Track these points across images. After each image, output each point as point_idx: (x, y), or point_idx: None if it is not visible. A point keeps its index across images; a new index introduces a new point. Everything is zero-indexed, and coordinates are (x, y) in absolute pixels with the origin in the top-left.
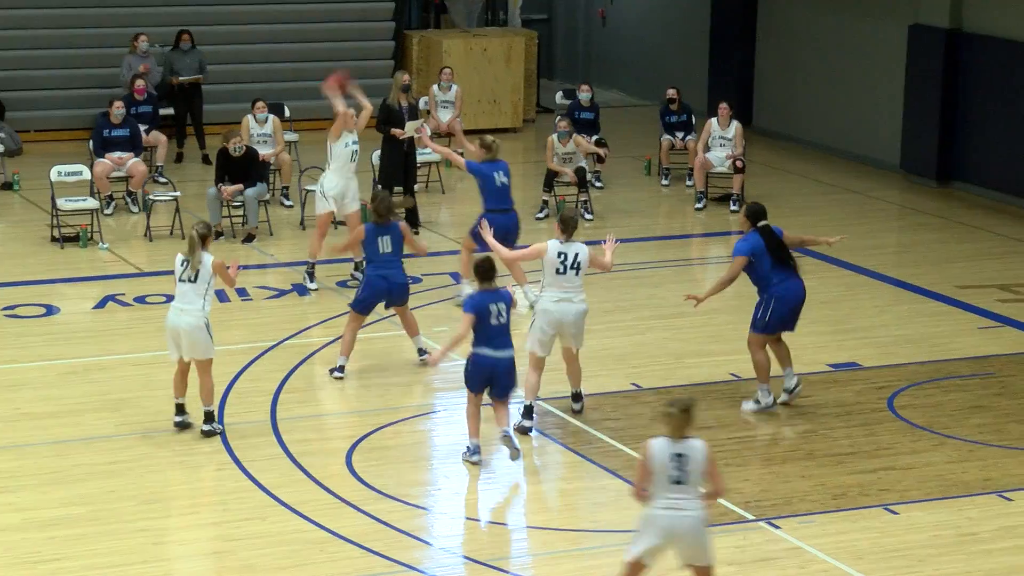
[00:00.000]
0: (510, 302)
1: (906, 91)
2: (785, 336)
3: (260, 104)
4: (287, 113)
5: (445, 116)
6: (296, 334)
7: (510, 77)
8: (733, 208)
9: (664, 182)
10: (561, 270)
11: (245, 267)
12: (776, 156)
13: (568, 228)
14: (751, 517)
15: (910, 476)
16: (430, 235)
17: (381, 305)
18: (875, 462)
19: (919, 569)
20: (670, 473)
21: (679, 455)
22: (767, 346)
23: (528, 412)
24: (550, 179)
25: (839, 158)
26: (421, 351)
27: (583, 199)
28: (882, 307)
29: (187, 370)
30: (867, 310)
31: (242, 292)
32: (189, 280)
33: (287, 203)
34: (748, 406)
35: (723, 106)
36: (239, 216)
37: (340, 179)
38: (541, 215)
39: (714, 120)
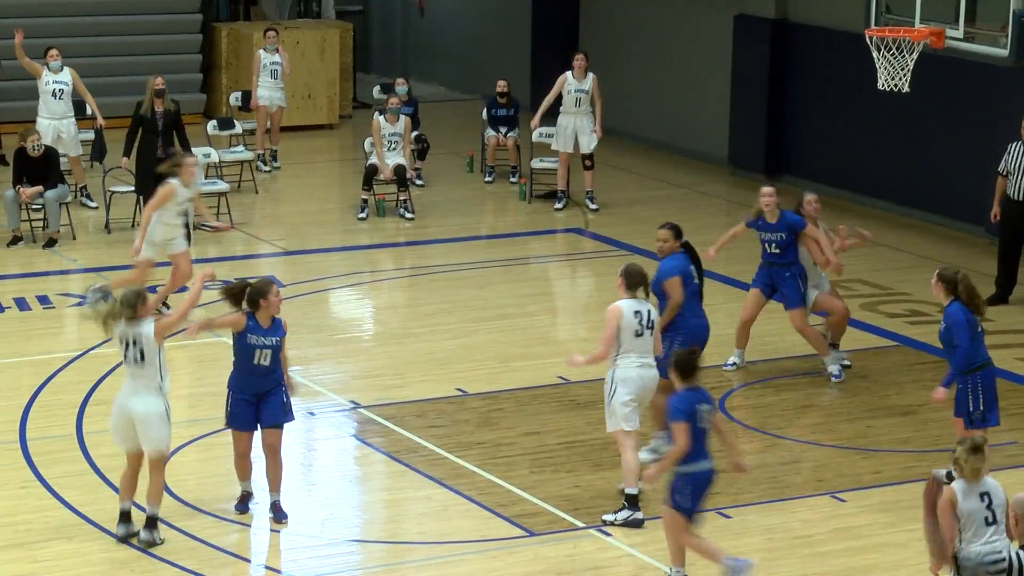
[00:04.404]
0: None
1: (733, 83)
2: None
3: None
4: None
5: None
6: (103, 343)
7: (325, 71)
8: (557, 207)
9: (488, 179)
10: (639, 331)
11: (46, 273)
12: (601, 151)
13: (633, 283)
14: (581, 524)
15: (743, 479)
16: None
17: None
18: None
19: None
20: (985, 515)
21: (985, 494)
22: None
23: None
24: (369, 177)
25: (666, 152)
26: None
27: (403, 198)
28: (713, 305)
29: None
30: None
31: (44, 300)
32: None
33: (91, 204)
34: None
35: (579, 56)
36: (39, 220)
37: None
38: (363, 215)
39: (569, 74)
